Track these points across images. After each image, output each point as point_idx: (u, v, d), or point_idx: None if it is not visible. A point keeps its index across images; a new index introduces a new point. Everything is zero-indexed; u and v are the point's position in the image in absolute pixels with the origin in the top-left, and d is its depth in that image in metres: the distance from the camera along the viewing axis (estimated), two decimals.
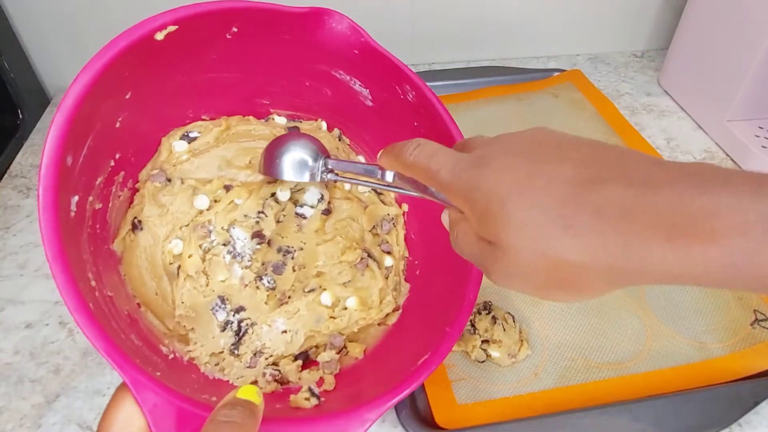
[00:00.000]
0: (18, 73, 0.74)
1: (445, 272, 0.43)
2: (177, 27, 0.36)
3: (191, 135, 0.45)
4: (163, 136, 0.45)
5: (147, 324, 0.40)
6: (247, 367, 0.42)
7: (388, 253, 0.48)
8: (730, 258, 0.21)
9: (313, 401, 0.38)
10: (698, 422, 0.42)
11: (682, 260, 0.22)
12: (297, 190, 0.46)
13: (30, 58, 0.78)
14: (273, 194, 0.45)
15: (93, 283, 0.34)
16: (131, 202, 0.43)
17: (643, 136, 0.71)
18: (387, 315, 0.46)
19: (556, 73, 0.82)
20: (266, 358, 0.42)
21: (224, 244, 0.43)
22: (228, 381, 0.41)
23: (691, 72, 0.75)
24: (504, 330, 0.48)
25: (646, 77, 0.85)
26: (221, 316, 0.42)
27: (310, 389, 0.39)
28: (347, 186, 0.48)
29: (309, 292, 0.44)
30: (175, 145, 0.45)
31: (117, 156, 0.40)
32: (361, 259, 0.46)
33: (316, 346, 0.44)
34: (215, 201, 0.43)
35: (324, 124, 0.51)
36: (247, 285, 0.43)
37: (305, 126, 0.50)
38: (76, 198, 0.35)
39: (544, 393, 0.45)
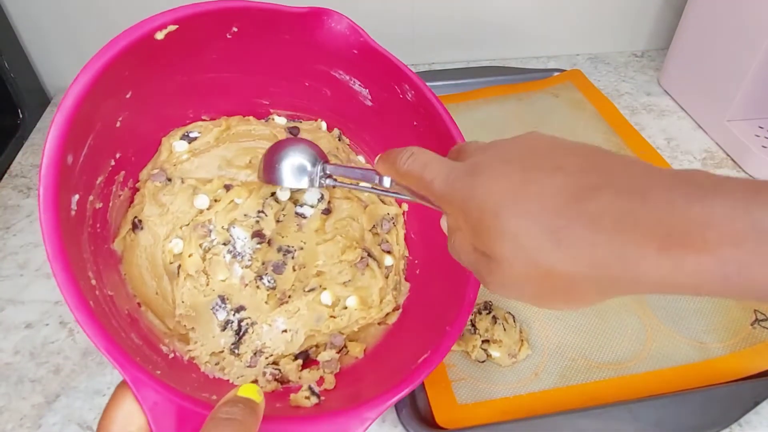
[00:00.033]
0: (18, 73, 0.74)
1: (445, 272, 0.43)
2: (177, 27, 0.36)
3: (191, 135, 0.46)
4: (163, 135, 0.45)
5: (147, 323, 0.40)
6: (248, 367, 0.42)
7: (388, 252, 0.48)
8: (723, 269, 0.21)
9: (314, 400, 0.38)
10: (698, 422, 0.42)
11: (675, 270, 0.22)
12: (297, 189, 0.46)
13: (30, 58, 0.78)
14: (273, 194, 0.45)
15: (93, 282, 0.34)
16: (132, 201, 0.43)
17: (643, 135, 0.71)
18: (387, 314, 0.46)
19: (556, 73, 0.82)
20: (266, 358, 0.42)
21: (224, 244, 0.43)
22: (228, 380, 0.41)
23: (691, 72, 0.75)
24: (504, 330, 0.48)
25: (646, 77, 0.85)
26: (221, 316, 0.42)
27: (310, 388, 0.39)
28: None
29: (309, 291, 0.44)
30: (175, 144, 0.45)
31: (117, 155, 0.40)
32: (361, 258, 0.46)
33: (317, 346, 0.44)
34: (215, 200, 0.43)
35: (324, 124, 0.51)
36: (247, 284, 0.43)
37: (305, 126, 0.50)
38: (77, 197, 0.35)
39: (545, 393, 0.45)
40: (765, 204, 0.21)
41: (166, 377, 0.31)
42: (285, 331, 0.43)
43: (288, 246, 0.45)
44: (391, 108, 0.47)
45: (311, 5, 0.41)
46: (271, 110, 0.50)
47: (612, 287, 0.24)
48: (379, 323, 0.46)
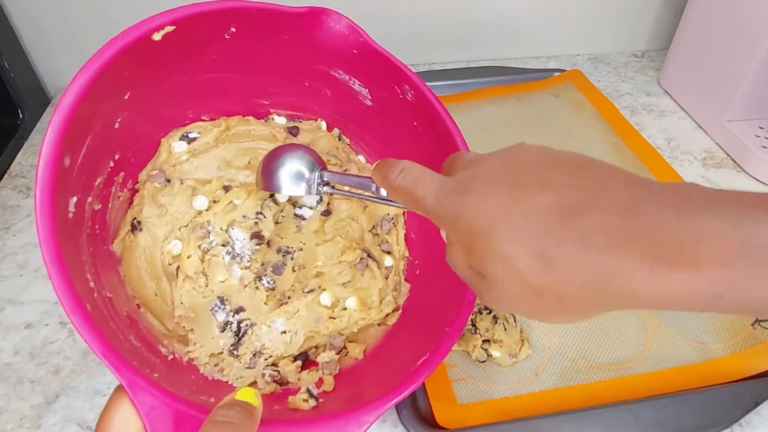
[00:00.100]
0: (18, 73, 0.74)
1: (445, 272, 0.42)
2: (174, 27, 0.36)
3: (191, 135, 0.45)
4: (162, 136, 0.45)
5: (146, 325, 0.40)
6: (247, 368, 0.42)
7: (388, 252, 0.48)
8: (714, 288, 0.21)
9: (312, 403, 0.38)
10: (699, 423, 0.42)
11: (666, 287, 0.22)
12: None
13: (30, 58, 0.78)
14: (271, 195, 0.45)
15: (92, 284, 0.34)
16: (131, 202, 0.43)
17: (643, 136, 0.71)
18: (387, 315, 0.46)
19: (556, 73, 0.82)
20: (266, 359, 0.42)
21: (223, 245, 0.43)
22: (227, 382, 0.41)
23: (691, 72, 0.75)
24: (505, 330, 0.48)
25: (646, 77, 0.85)
26: (221, 317, 0.42)
27: (308, 390, 0.39)
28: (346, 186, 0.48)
29: (308, 292, 0.44)
30: (174, 145, 0.45)
31: (116, 157, 0.40)
32: (361, 259, 0.46)
33: (316, 347, 0.44)
34: (214, 201, 0.43)
35: (323, 124, 0.51)
36: (246, 285, 0.43)
37: (305, 126, 0.50)
38: (75, 199, 0.35)
39: (545, 393, 0.45)
40: (756, 219, 0.21)
41: (164, 380, 0.31)
42: (284, 332, 0.43)
43: (287, 247, 0.45)
44: (391, 108, 0.47)
45: (310, 5, 0.41)
46: (271, 110, 0.50)
47: (605, 303, 0.24)
48: (378, 324, 0.46)
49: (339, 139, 0.51)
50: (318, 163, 0.41)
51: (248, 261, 0.43)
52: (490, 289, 0.26)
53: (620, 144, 0.69)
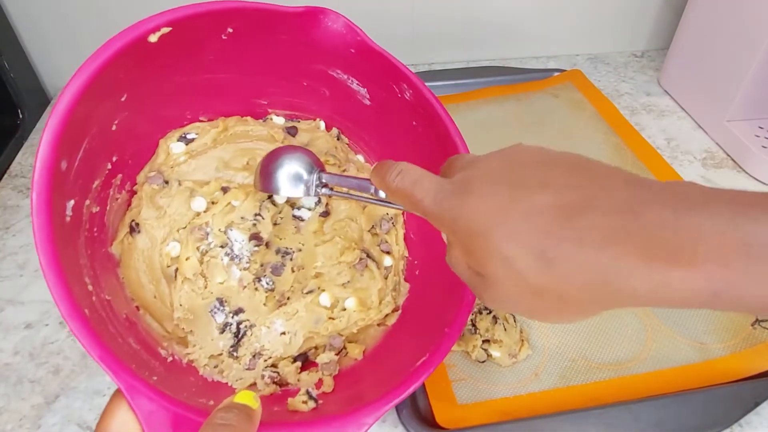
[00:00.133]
0: (18, 73, 0.74)
1: (444, 272, 0.42)
2: (171, 29, 0.36)
3: (189, 136, 0.45)
4: (160, 137, 0.45)
5: (145, 327, 0.40)
6: (246, 369, 0.41)
7: (388, 252, 0.48)
8: (712, 287, 0.21)
9: (311, 404, 0.38)
10: (699, 423, 0.42)
11: (664, 285, 0.22)
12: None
13: (30, 58, 0.78)
14: (270, 196, 0.45)
15: (90, 287, 0.34)
16: (129, 204, 0.43)
17: (643, 136, 0.71)
18: (386, 315, 0.46)
19: (555, 73, 0.82)
20: (265, 360, 0.42)
21: (222, 246, 0.43)
22: (227, 383, 0.41)
23: (691, 72, 0.75)
24: (505, 330, 0.48)
25: (646, 77, 0.85)
26: (220, 318, 0.42)
27: (307, 392, 0.39)
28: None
29: (308, 293, 0.44)
30: (172, 146, 0.45)
31: (114, 158, 0.40)
32: (360, 259, 0.46)
33: (315, 348, 0.44)
34: (212, 203, 0.43)
35: (322, 124, 0.51)
36: (245, 286, 0.43)
37: (303, 126, 0.50)
38: (72, 202, 0.34)
39: (545, 393, 0.45)
40: (755, 219, 0.21)
41: (163, 383, 0.31)
42: (284, 333, 0.43)
43: (286, 248, 0.45)
44: (390, 107, 0.47)
45: (308, 5, 0.41)
46: (269, 110, 0.50)
47: (604, 302, 0.24)
48: (378, 324, 0.45)
49: (338, 139, 0.51)
50: (316, 165, 0.41)
51: (247, 262, 0.43)
52: (490, 289, 0.26)
53: (620, 144, 0.69)
